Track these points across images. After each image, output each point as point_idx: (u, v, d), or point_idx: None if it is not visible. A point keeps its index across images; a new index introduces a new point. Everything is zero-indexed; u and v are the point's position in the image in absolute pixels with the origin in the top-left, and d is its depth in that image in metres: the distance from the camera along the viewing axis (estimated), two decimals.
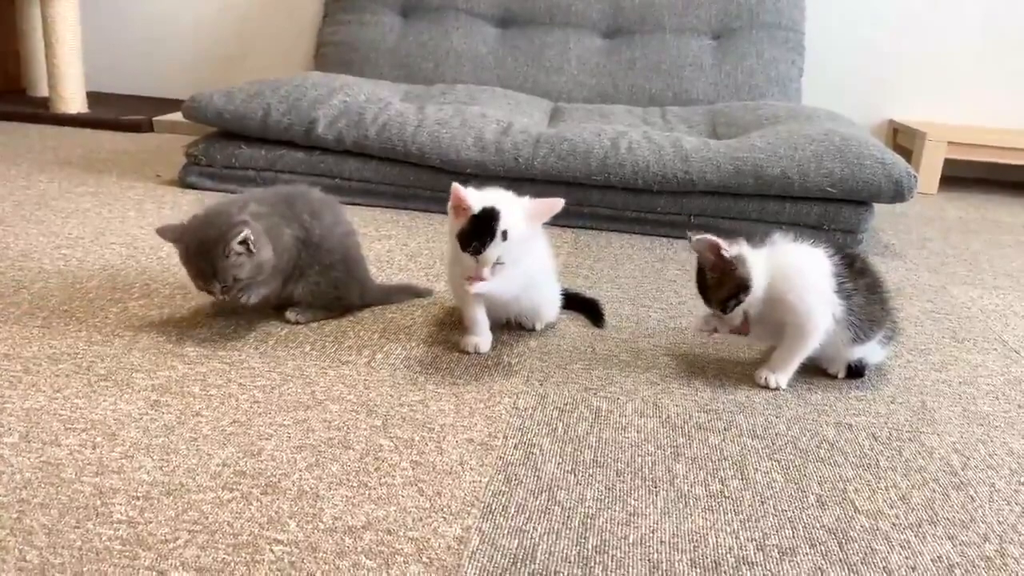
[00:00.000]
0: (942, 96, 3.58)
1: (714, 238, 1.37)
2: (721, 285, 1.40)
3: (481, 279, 1.38)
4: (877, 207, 2.41)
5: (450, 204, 1.41)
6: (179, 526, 0.98)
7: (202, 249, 1.43)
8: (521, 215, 1.39)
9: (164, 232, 1.48)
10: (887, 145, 3.07)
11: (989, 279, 2.21)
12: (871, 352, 1.50)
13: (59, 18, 3.32)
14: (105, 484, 1.05)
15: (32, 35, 3.62)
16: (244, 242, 1.42)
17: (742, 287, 1.38)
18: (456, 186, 1.39)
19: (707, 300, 1.44)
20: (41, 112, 3.43)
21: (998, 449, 1.31)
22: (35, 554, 0.92)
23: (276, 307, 1.61)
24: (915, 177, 2.32)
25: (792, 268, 1.40)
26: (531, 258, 1.47)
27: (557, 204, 1.43)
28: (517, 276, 1.44)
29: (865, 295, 1.44)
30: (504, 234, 1.36)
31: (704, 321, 1.48)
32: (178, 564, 0.92)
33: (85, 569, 0.90)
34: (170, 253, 1.93)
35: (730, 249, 1.38)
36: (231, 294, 1.46)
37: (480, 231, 1.36)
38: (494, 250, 1.36)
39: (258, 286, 1.49)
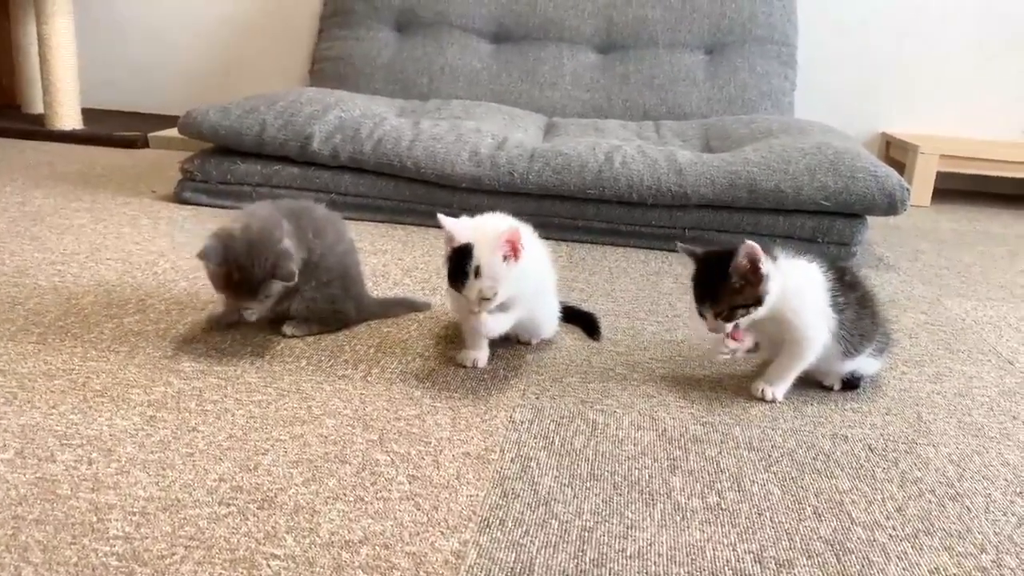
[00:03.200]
0: (935, 109, 3.61)
1: (760, 249, 1.34)
2: (739, 293, 1.36)
3: (477, 317, 1.39)
4: (871, 220, 2.42)
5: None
6: (176, 542, 0.98)
7: (250, 276, 1.44)
8: (491, 249, 1.36)
9: (208, 255, 1.44)
10: (880, 158, 3.09)
11: (982, 291, 2.22)
12: (864, 364, 1.50)
13: (54, 34, 3.33)
14: (101, 500, 1.05)
15: (27, 51, 3.63)
16: (293, 275, 1.46)
17: (757, 303, 1.36)
18: (441, 218, 1.40)
19: (714, 302, 1.38)
20: (36, 128, 3.44)
21: (993, 460, 1.31)
22: (31, 571, 0.92)
23: (272, 321, 1.61)
24: (908, 190, 2.33)
25: (792, 286, 1.39)
26: (525, 284, 1.43)
27: (514, 234, 1.37)
28: (517, 311, 1.45)
29: (856, 309, 1.44)
30: (477, 270, 1.35)
31: (717, 344, 1.44)
32: None
33: None
34: (166, 269, 1.93)
35: (765, 265, 1.35)
36: (257, 304, 1.49)
37: (456, 269, 1.37)
38: (472, 288, 1.36)
39: (265, 307, 1.51)
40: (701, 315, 1.42)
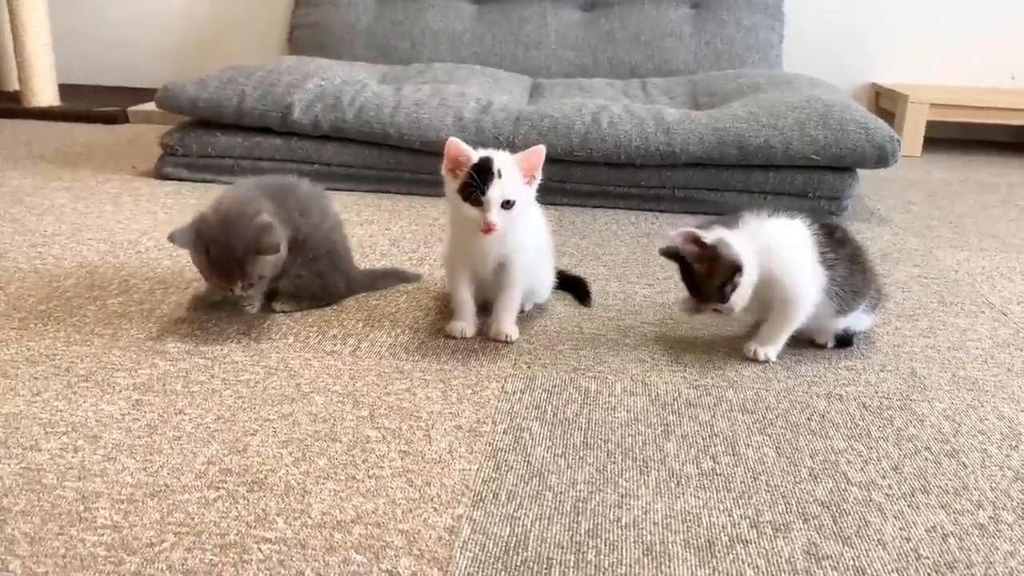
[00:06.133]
0: (924, 58, 3.56)
1: (689, 229, 1.36)
2: (712, 274, 1.35)
3: (492, 225, 1.37)
4: (861, 172, 2.40)
5: (444, 167, 1.41)
6: (165, 528, 0.96)
7: (229, 254, 1.41)
8: (512, 161, 1.41)
9: (178, 238, 1.43)
10: (870, 109, 3.05)
11: (975, 241, 2.21)
12: (857, 320, 1.49)
13: (27, 10, 3.25)
14: (88, 488, 1.03)
15: (0, 28, 3.54)
16: (277, 247, 1.43)
17: (734, 269, 1.35)
18: (453, 139, 1.39)
19: (702, 296, 1.39)
20: (12, 107, 3.37)
21: (989, 414, 1.30)
22: (17, 564, 0.90)
23: None
24: (898, 141, 2.31)
25: (776, 244, 1.38)
26: (528, 221, 1.48)
27: (539, 151, 1.42)
28: (519, 228, 1.45)
29: (848, 265, 1.43)
30: (499, 172, 1.37)
31: (684, 302, 1.44)
32: (164, 568, 0.90)
33: None
34: (149, 247, 1.90)
35: (708, 235, 1.35)
36: (249, 292, 1.45)
37: (480, 176, 1.37)
38: (496, 189, 1.36)
39: (260, 290, 1.49)
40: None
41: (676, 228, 1.37)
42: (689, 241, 1.36)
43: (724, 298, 1.37)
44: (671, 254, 1.42)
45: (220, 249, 1.41)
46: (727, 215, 1.43)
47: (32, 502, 1.00)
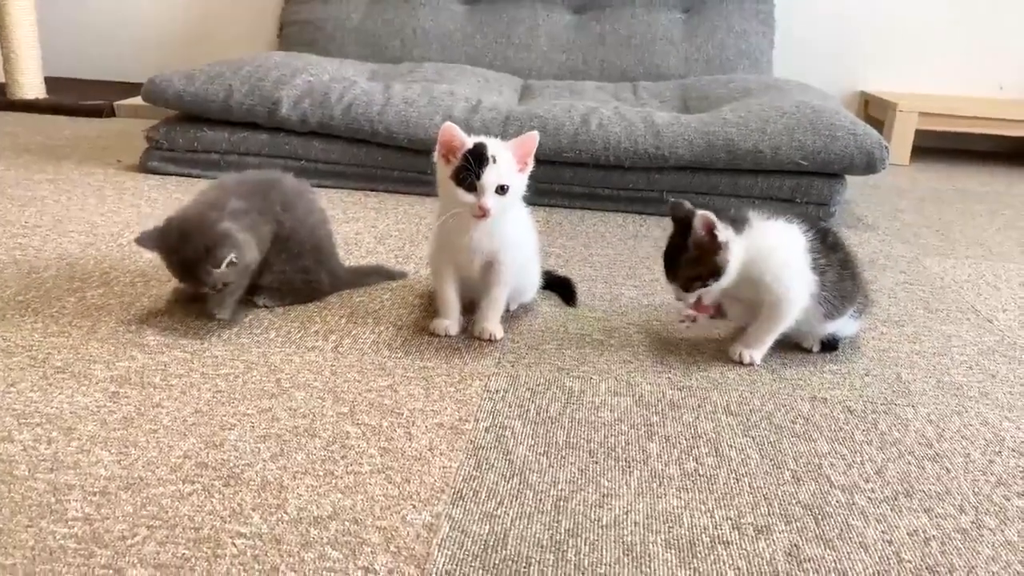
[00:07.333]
0: (913, 67, 3.57)
1: (713, 217, 1.32)
2: (697, 263, 1.35)
3: (487, 209, 1.36)
4: (849, 179, 2.40)
5: (438, 153, 1.40)
6: (137, 522, 0.95)
7: (186, 263, 1.39)
8: (505, 147, 1.40)
9: (144, 241, 1.42)
10: (859, 117, 3.06)
11: (961, 249, 2.21)
12: (844, 326, 1.49)
13: (14, 1, 3.22)
14: (60, 480, 1.01)
15: None
16: (230, 262, 1.39)
17: (714, 273, 1.35)
18: (449, 124, 1.38)
19: (672, 273, 1.39)
20: None
21: (972, 420, 1.30)
22: None
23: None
24: (887, 148, 2.31)
25: (769, 248, 1.37)
26: (515, 220, 1.48)
27: (533, 137, 1.41)
28: (507, 225, 1.45)
29: (838, 271, 1.42)
30: (493, 158, 1.36)
31: (683, 311, 1.47)
32: (136, 561, 0.88)
33: (37, 570, 0.86)
34: (130, 241, 1.88)
35: (723, 233, 1.34)
36: (217, 293, 1.43)
37: (475, 161, 1.36)
38: (491, 174, 1.35)
39: (232, 294, 1.46)
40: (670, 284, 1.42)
41: (703, 210, 1.34)
42: (705, 227, 1.33)
43: (688, 289, 1.37)
44: (679, 218, 1.39)
45: (180, 260, 1.40)
46: (740, 213, 1.40)
47: (2, 493, 0.98)
